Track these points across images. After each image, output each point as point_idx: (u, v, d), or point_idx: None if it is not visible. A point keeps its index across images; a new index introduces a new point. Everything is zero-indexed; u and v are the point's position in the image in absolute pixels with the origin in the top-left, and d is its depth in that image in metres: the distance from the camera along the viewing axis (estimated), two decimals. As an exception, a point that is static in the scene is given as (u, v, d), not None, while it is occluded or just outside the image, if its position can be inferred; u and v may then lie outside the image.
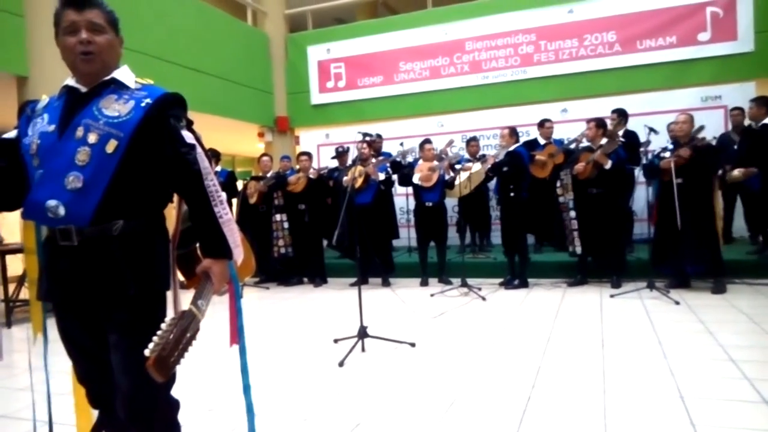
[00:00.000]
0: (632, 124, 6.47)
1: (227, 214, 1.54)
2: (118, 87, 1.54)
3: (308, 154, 7.15)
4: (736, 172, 5.49)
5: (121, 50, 1.60)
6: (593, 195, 5.51)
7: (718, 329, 3.84)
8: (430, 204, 6.29)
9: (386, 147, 7.65)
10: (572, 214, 5.62)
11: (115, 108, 1.49)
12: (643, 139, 5.58)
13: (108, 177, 1.45)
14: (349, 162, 6.76)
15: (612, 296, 5.15)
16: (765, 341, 3.56)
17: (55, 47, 1.56)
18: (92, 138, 1.45)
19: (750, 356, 3.24)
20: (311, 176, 6.85)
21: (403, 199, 7.77)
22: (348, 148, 6.98)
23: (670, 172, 4.95)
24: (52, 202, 1.44)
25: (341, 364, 3.45)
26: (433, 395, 2.88)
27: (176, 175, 1.51)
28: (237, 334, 1.67)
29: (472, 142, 7.24)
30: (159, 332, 1.32)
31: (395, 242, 7.14)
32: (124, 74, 1.57)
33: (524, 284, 5.94)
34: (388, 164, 6.64)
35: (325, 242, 7.07)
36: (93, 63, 1.51)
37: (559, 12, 8.25)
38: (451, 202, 6.95)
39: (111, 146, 1.45)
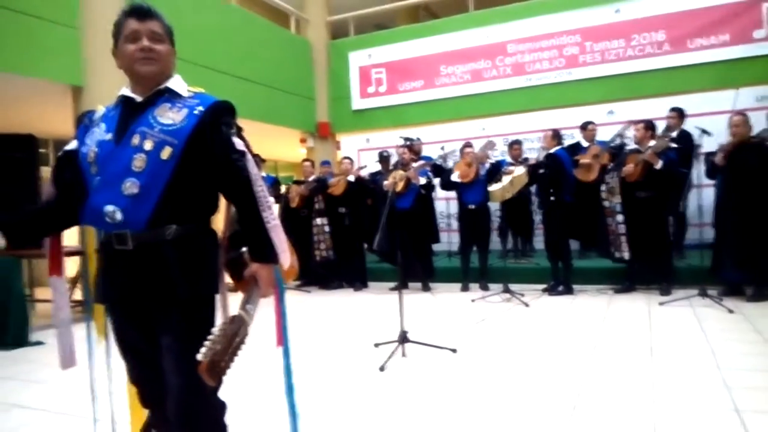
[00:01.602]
0: (684, 125, 6.25)
1: (275, 220, 1.56)
2: (172, 96, 1.59)
3: (349, 158, 7.20)
4: None
5: (175, 60, 1.66)
6: (641, 198, 5.35)
7: (777, 340, 3.66)
8: (473, 206, 6.22)
9: (427, 151, 7.63)
10: (620, 218, 5.44)
11: (169, 116, 1.54)
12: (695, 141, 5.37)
13: (163, 183, 1.49)
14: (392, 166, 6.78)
15: (661, 304, 4.98)
16: (829, 353, 3.37)
17: (109, 57, 1.62)
18: (148, 145, 1.50)
19: (812, 369, 3.07)
20: (351, 179, 6.89)
21: (443, 203, 7.73)
22: (391, 153, 7.00)
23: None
24: (109, 208, 1.49)
25: (382, 368, 3.45)
26: (475, 402, 2.84)
27: (227, 180, 1.55)
28: (282, 335, 1.69)
29: (514, 146, 7.12)
30: (211, 337, 1.35)
31: (435, 247, 7.11)
32: (177, 83, 1.62)
33: (569, 290, 5.81)
34: (429, 168, 6.62)
35: (365, 246, 7.11)
36: (152, 65, 1.56)
37: (605, 12, 8.06)
38: (493, 206, 6.87)
39: (166, 153, 1.49)
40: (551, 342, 3.98)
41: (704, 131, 5.09)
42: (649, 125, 5.49)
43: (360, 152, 9.21)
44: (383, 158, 6.94)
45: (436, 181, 6.76)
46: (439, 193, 7.27)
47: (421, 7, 12.01)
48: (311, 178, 7.21)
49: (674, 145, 5.53)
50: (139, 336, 1.60)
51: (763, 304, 4.77)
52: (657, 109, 6.56)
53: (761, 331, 3.89)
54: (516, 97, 8.61)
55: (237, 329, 1.39)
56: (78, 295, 6.32)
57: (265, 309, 1.70)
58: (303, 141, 10.14)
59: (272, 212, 1.56)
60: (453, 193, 6.71)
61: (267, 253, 1.54)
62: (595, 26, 8.11)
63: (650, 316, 4.60)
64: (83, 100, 5.86)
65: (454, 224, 7.40)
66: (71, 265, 6.60)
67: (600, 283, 6.07)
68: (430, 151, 7.69)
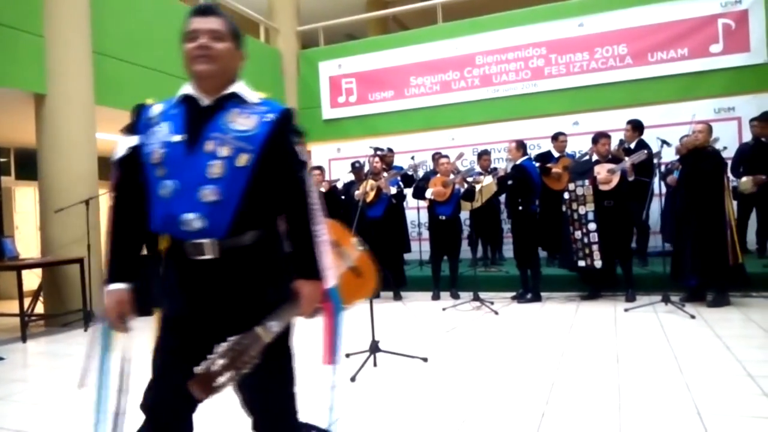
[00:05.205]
0: (644, 137, 6.44)
1: (324, 235, 1.54)
2: (239, 101, 1.55)
3: (320, 168, 7.18)
4: (745, 179, 5.43)
5: (241, 63, 1.61)
6: (608, 207, 5.48)
7: (735, 344, 3.78)
8: (444, 218, 6.27)
9: (397, 161, 7.68)
10: (592, 226, 5.54)
11: (240, 122, 1.50)
12: (655, 150, 5.54)
13: (240, 189, 1.46)
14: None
15: (626, 310, 5.10)
16: (784, 356, 3.51)
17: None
18: (224, 152, 1.46)
19: (769, 371, 3.18)
20: (323, 189, 6.87)
21: (414, 212, 7.77)
22: (363, 163, 7.02)
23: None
24: (189, 216, 1.45)
25: (353, 379, 3.44)
26: (446, 411, 2.85)
27: (285, 189, 1.53)
28: (332, 353, 1.67)
29: (483, 156, 7.24)
30: (218, 350, 1.31)
31: (406, 256, 7.14)
32: (243, 89, 1.59)
33: (537, 298, 5.90)
34: (399, 178, 6.66)
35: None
36: (207, 63, 1.52)
37: (569, 25, 8.27)
38: (462, 216, 6.96)
39: (242, 160, 1.46)
40: (521, 349, 4.04)
41: (665, 142, 5.26)
42: (606, 136, 5.68)
43: (331, 161, 9.21)
44: (356, 168, 6.95)
45: (407, 191, 6.79)
46: (410, 202, 7.30)
47: (391, 18, 12.12)
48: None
49: (645, 152, 5.69)
50: (199, 352, 1.41)
51: (723, 310, 4.93)
52: (620, 120, 6.74)
53: (721, 336, 4.02)
54: (484, 107, 8.73)
55: (248, 345, 1.35)
56: (40, 308, 6.13)
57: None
58: (273, 150, 10.09)
59: (322, 228, 1.54)
60: (424, 203, 6.75)
61: (311, 269, 1.52)
62: (560, 39, 8.31)
63: (616, 322, 4.71)
64: (45, 107, 5.71)
65: (425, 233, 7.45)
66: (33, 278, 6.42)
67: (567, 290, 6.17)
68: (401, 161, 7.74)
